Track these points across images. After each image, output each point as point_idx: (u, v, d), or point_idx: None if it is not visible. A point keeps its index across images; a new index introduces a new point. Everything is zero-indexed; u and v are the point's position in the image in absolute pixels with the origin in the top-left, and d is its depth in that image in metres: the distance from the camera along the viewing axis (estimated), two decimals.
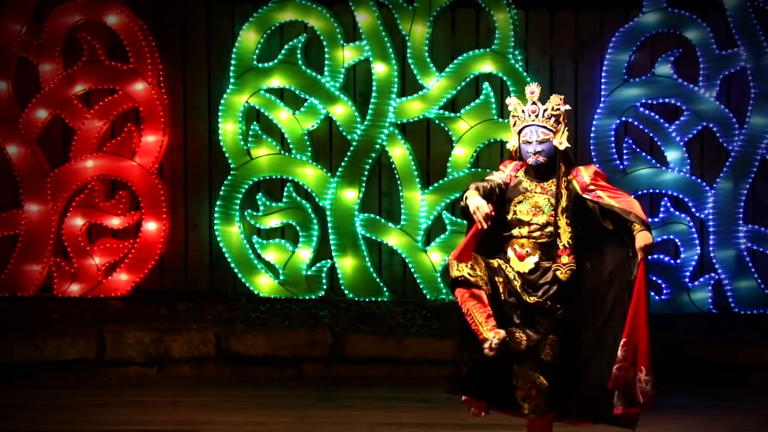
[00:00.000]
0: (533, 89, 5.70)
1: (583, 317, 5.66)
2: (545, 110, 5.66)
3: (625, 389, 5.50)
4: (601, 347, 5.61)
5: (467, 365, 5.61)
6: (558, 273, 5.59)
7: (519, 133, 5.69)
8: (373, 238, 9.80)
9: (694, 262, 9.54)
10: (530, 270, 5.62)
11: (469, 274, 5.52)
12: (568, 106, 5.69)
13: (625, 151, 9.60)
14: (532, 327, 5.60)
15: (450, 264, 5.56)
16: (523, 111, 5.68)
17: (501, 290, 5.60)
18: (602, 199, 5.64)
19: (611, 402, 5.56)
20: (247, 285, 9.81)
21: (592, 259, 5.67)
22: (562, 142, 5.64)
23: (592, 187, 5.66)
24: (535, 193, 5.68)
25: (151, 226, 9.81)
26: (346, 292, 9.76)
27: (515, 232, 5.66)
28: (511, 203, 5.68)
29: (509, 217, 5.67)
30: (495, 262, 5.64)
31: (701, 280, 9.54)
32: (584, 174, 5.70)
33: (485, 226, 5.49)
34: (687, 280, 9.52)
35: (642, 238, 5.51)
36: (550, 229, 5.63)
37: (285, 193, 9.87)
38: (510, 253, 5.66)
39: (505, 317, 5.60)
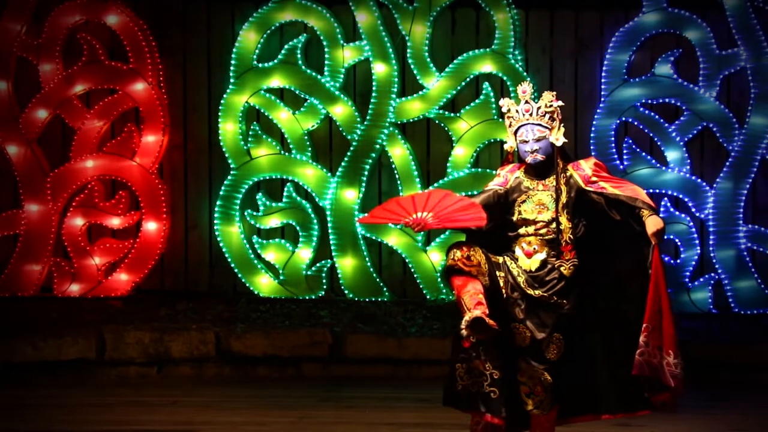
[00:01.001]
0: (525, 88, 5.69)
1: (595, 312, 5.65)
2: (539, 108, 5.65)
3: (652, 373, 5.47)
4: (623, 339, 5.57)
5: (463, 380, 5.58)
6: (561, 269, 5.59)
7: (515, 133, 5.69)
8: (373, 238, 9.80)
9: (694, 262, 9.54)
10: (537, 267, 5.61)
11: (463, 263, 5.51)
12: (561, 102, 5.69)
13: (625, 151, 9.61)
14: (536, 323, 5.59)
15: (447, 253, 5.56)
16: (517, 111, 5.68)
17: (502, 285, 5.59)
18: (606, 189, 5.63)
19: (641, 391, 5.56)
20: (247, 285, 9.81)
21: (601, 252, 5.65)
22: (558, 138, 5.64)
23: (594, 179, 5.65)
24: (538, 190, 5.67)
25: (151, 226, 9.82)
26: (346, 292, 9.76)
27: (522, 231, 5.65)
28: (514, 204, 5.67)
29: (515, 218, 5.66)
30: (499, 258, 5.63)
31: (701, 280, 9.54)
32: (585, 166, 5.70)
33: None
34: (687, 280, 9.52)
35: (652, 223, 5.48)
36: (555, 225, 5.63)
37: (285, 193, 9.87)
38: (518, 251, 5.64)
39: (508, 313, 5.59)
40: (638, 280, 5.57)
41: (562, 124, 5.68)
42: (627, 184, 5.68)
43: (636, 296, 5.57)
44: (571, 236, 5.60)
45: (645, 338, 5.47)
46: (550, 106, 5.66)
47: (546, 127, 5.65)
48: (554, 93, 5.70)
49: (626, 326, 5.59)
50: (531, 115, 5.65)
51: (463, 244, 5.55)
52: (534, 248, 5.63)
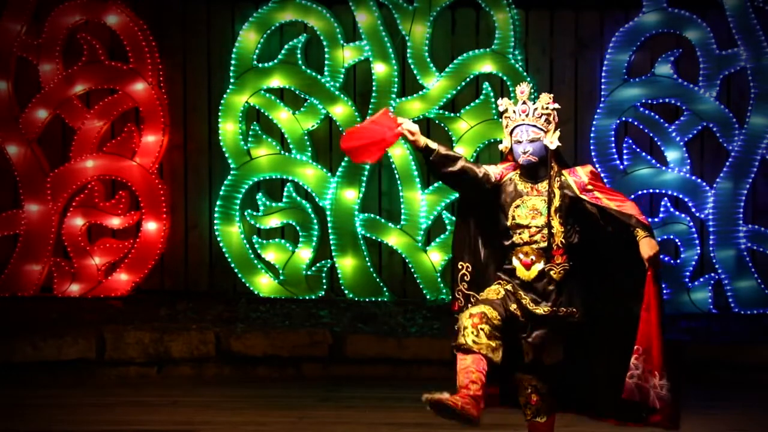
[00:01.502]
0: (523, 89, 5.65)
1: (593, 319, 5.64)
2: (535, 109, 5.62)
3: (642, 398, 5.44)
4: (620, 351, 5.53)
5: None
6: (552, 273, 5.56)
7: (511, 133, 5.67)
8: (373, 238, 9.80)
9: (694, 262, 9.54)
10: (536, 277, 5.57)
11: (473, 341, 5.39)
12: (557, 105, 5.67)
13: (625, 151, 9.61)
14: (537, 337, 5.57)
15: (458, 324, 5.47)
16: (514, 111, 5.65)
17: (520, 316, 5.56)
18: (601, 200, 5.58)
19: (640, 409, 5.54)
20: (247, 285, 9.81)
21: (596, 260, 5.64)
22: (552, 141, 5.59)
23: (590, 187, 5.61)
24: (531, 196, 5.62)
25: (151, 226, 9.82)
26: (346, 292, 9.76)
27: (516, 239, 5.60)
28: (509, 208, 5.63)
29: (509, 223, 5.63)
30: (501, 290, 5.58)
31: (701, 280, 9.54)
32: (581, 173, 5.65)
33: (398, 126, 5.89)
34: (687, 280, 9.52)
35: (647, 246, 5.42)
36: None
37: (285, 193, 9.87)
38: (515, 262, 5.60)
39: (517, 335, 5.59)
40: (631, 294, 5.53)
41: (558, 128, 5.64)
42: (620, 197, 5.62)
43: (629, 308, 5.54)
44: (563, 240, 5.56)
45: (636, 361, 5.43)
46: (547, 108, 5.62)
47: (541, 129, 5.60)
48: (552, 95, 5.66)
49: (621, 336, 5.56)
50: (527, 115, 5.61)
51: (474, 315, 5.44)
52: (531, 259, 5.58)
